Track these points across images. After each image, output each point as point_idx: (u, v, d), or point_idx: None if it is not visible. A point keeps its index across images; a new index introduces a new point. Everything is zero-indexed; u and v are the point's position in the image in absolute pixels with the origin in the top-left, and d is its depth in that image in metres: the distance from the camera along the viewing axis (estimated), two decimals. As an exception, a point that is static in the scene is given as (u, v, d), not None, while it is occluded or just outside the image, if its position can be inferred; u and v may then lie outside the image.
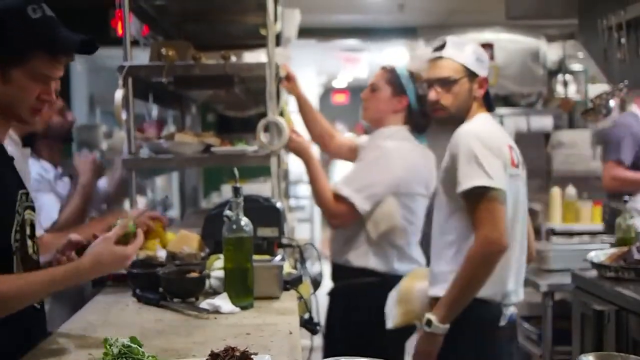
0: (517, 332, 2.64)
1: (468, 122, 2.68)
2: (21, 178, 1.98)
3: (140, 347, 1.55)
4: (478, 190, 2.49)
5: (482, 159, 2.49)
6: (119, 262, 1.93)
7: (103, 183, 3.51)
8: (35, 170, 3.09)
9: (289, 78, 3.39)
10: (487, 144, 2.54)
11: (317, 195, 3.26)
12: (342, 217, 3.20)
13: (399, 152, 3.24)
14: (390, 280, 3.10)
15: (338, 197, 3.18)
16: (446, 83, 2.70)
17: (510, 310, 2.65)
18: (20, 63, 1.80)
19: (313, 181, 3.26)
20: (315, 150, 3.48)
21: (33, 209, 1.99)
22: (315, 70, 10.67)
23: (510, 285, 2.61)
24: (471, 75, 2.72)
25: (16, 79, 1.81)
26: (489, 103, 2.78)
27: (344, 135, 3.81)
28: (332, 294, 3.34)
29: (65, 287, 1.87)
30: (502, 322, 2.62)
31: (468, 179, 2.50)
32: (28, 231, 1.95)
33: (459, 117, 2.72)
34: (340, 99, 15.40)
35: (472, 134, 2.56)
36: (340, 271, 3.31)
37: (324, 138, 3.56)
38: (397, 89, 3.30)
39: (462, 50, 2.73)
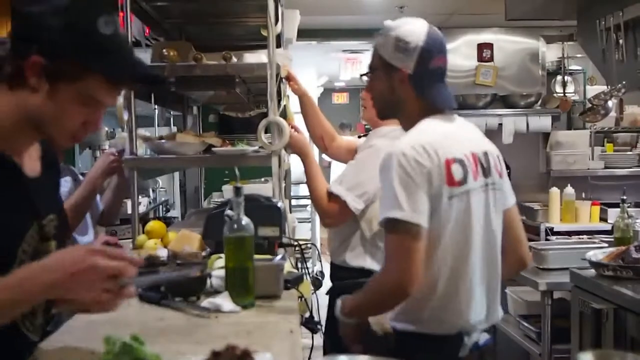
0: (491, 355, 2.30)
1: (407, 133, 2.29)
2: (41, 204, 1.67)
3: (142, 345, 1.57)
4: (390, 223, 2.12)
5: (398, 187, 2.10)
6: (78, 264, 1.40)
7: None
8: None
9: (290, 78, 3.41)
10: (411, 167, 2.11)
11: (312, 193, 3.22)
12: (335, 216, 3.16)
13: None
14: None
15: (331, 196, 3.15)
16: (367, 77, 2.40)
17: (474, 339, 2.24)
18: (72, 79, 1.51)
19: (309, 179, 3.23)
20: (314, 151, 3.48)
21: (58, 237, 1.71)
22: (315, 71, 10.67)
23: (473, 316, 2.22)
24: (387, 68, 2.29)
25: (63, 97, 1.52)
26: (442, 100, 2.30)
27: (344, 137, 3.82)
28: (331, 293, 3.35)
29: (21, 304, 1.46)
30: (462, 353, 2.22)
31: (384, 209, 2.15)
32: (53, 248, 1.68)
33: (401, 121, 2.38)
34: (341, 99, 15.42)
35: (396, 156, 2.13)
36: (339, 271, 3.32)
37: (325, 139, 3.57)
38: None
39: (386, 36, 2.29)
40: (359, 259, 3.20)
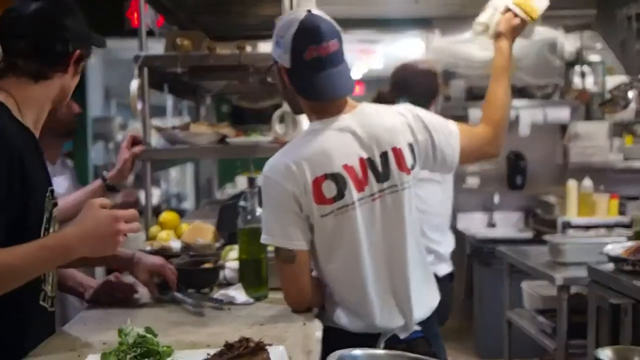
0: (423, 347, 2.17)
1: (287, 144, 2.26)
2: (49, 174, 1.95)
3: (155, 337, 1.55)
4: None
5: (265, 209, 2.11)
6: (107, 227, 1.72)
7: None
8: None
9: None
10: (275, 192, 2.08)
11: None
12: None
13: None
14: None
15: None
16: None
17: (390, 334, 2.17)
18: (83, 60, 1.97)
19: None
20: None
21: (56, 205, 1.95)
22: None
23: (381, 322, 2.15)
24: (275, 63, 2.19)
25: (77, 72, 1.96)
26: (315, 92, 2.14)
27: None
28: None
29: (52, 263, 1.76)
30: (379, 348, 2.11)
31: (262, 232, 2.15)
32: (56, 227, 1.91)
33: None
34: (355, 90, 15.37)
35: (264, 178, 2.11)
36: None
37: None
38: None
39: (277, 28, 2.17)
40: None
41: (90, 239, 1.71)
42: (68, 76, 1.92)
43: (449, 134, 2.27)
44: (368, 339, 2.10)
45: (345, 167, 2.09)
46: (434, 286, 2.31)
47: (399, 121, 2.20)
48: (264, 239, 2.11)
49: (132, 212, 1.80)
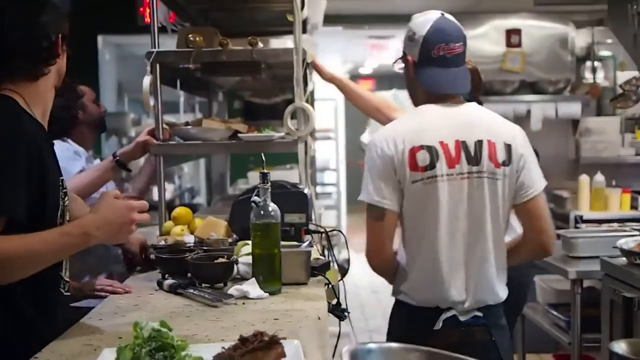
0: (470, 335, 2.35)
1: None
2: (59, 164, 1.99)
3: (170, 331, 1.57)
4: (364, 205, 2.42)
5: (366, 171, 2.38)
6: (122, 216, 1.83)
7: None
8: (72, 149, 3.20)
9: (315, 67, 3.38)
10: (377, 155, 2.35)
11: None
12: None
13: None
14: None
15: None
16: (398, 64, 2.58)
17: (451, 313, 2.37)
18: (65, 35, 1.98)
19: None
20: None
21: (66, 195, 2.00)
22: (341, 58, 10.63)
23: (447, 295, 2.34)
24: (404, 56, 2.49)
25: (64, 50, 1.99)
26: (434, 85, 2.41)
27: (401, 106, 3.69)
28: None
29: (72, 249, 1.82)
30: (437, 327, 2.36)
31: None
32: (68, 217, 1.97)
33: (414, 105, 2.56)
34: (366, 86, 15.36)
35: (368, 145, 2.42)
36: None
37: (382, 111, 3.41)
38: None
39: (407, 27, 2.49)
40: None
41: (107, 227, 1.81)
42: (60, 59, 1.97)
43: (537, 182, 2.45)
44: (430, 315, 2.35)
45: (441, 143, 2.33)
46: (503, 281, 2.44)
47: (506, 125, 2.45)
48: (360, 197, 2.38)
49: (143, 202, 1.90)
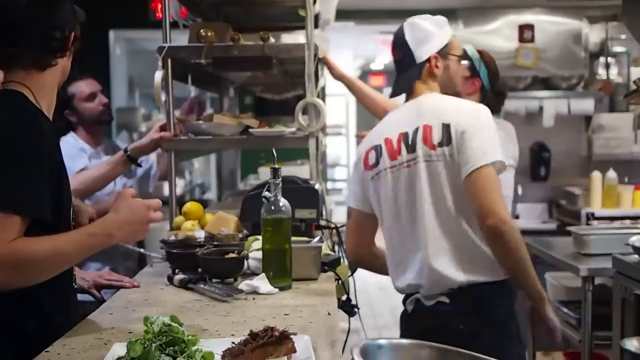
0: (437, 320, 2.41)
1: None
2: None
3: (181, 325, 1.57)
4: None
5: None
6: (141, 215, 1.87)
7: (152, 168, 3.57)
8: (77, 146, 3.27)
9: (326, 64, 3.38)
10: (354, 163, 2.75)
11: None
12: None
13: None
14: None
15: None
16: None
17: (415, 297, 2.49)
18: (77, 38, 1.99)
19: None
20: None
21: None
22: (352, 53, 10.61)
23: (410, 277, 2.47)
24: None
25: (71, 52, 2.00)
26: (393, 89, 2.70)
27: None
28: None
29: (95, 249, 1.84)
30: (409, 309, 2.52)
31: None
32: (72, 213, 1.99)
33: None
34: (377, 81, 15.34)
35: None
36: None
37: (389, 111, 3.45)
38: (469, 71, 3.22)
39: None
40: None
41: (127, 226, 1.86)
42: (66, 58, 1.98)
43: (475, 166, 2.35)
44: (405, 300, 2.55)
45: (386, 139, 2.52)
46: (469, 264, 2.39)
47: (455, 107, 2.46)
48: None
49: (158, 201, 1.93)
